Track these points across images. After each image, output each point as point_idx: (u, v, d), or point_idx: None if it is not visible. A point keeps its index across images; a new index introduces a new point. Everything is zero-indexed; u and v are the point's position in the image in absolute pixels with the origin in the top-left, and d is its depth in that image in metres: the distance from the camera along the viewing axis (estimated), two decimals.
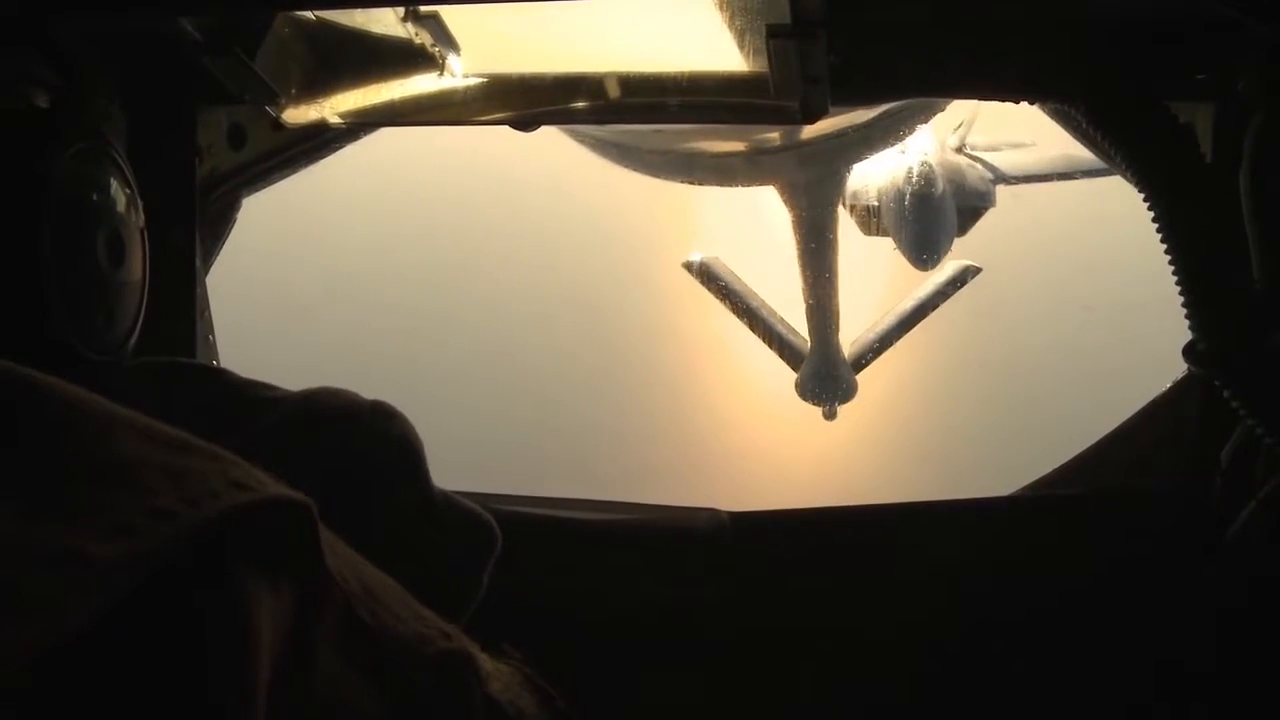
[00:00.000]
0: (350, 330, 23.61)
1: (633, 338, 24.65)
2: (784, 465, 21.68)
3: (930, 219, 14.00)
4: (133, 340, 1.51)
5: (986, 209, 14.89)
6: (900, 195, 14.00)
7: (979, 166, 15.12)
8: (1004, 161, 15.32)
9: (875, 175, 14.56)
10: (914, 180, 14.01)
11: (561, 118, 2.22)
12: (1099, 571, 2.19)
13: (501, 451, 21.19)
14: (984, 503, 2.45)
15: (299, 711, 0.67)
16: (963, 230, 14.39)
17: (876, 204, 14.21)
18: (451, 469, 1.76)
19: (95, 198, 1.55)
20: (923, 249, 14.20)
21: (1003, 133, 15.84)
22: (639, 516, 2.56)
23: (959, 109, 12.81)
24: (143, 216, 1.61)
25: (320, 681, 0.70)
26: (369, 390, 1.34)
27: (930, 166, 13.94)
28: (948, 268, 13.45)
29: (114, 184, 1.59)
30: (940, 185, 13.93)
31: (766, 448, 22.65)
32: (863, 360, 13.23)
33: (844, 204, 13.08)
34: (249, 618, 0.62)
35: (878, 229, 14.23)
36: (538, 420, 24.07)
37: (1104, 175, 12.30)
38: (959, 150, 15.22)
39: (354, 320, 23.95)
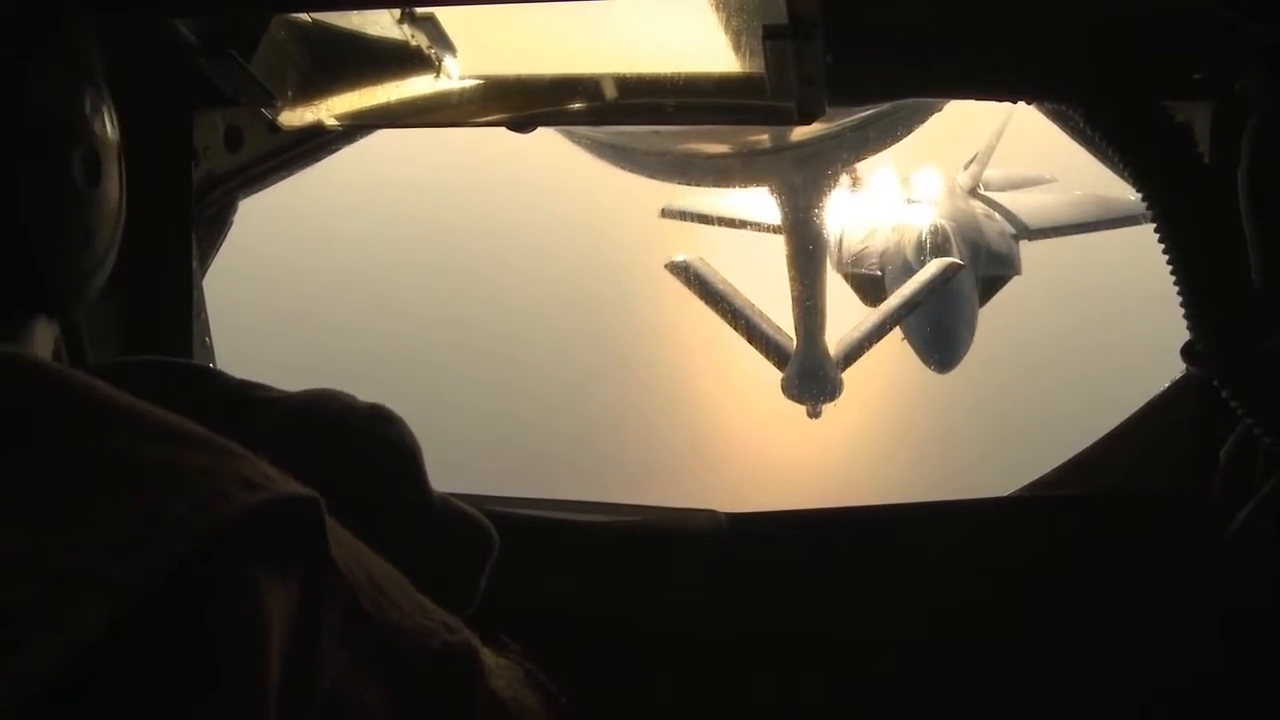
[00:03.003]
0: (346, 330, 23.63)
1: (627, 337, 24.68)
2: (775, 463, 21.70)
3: (947, 307, 12.20)
4: (109, 262, 1.47)
5: (1011, 277, 12.98)
6: (909, 269, 12.22)
7: (998, 218, 13.36)
8: (1025, 208, 13.72)
9: (877, 233, 12.78)
10: (926, 251, 12.01)
11: (558, 119, 2.22)
12: (1097, 572, 2.19)
13: (497, 449, 21.19)
14: (983, 503, 2.45)
15: (304, 704, 0.67)
16: (983, 301, 12.66)
17: (880, 272, 12.62)
18: (446, 467, 1.76)
19: (72, 114, 1.53)
20: (938, 346, 12.46)
21: (1018, 164, 14.12)
22: (636, 518, 2.56)
23: (958, 115, 12.01)
24: (119, 134, 1.59)
25: (325, 674, 0.70)
26: (363, 390, 1.33)
27: (945, 234, 12.29)
28: (932, 265, 12.50)
29: (89, 100, 1.56)
30: (956, 254, 12.19)
31: (758, 445, 22.67)
32: (849, 358, 12.57)
33: (834, 265, 11.61)
34: (259, 615, 0.62)
35: (880, 300, 12.64)
36: (531, 418, 24.09)
37: (1137, 224, 11.44)
38: (972, 193, 13.56)
39: (350, 320, 23.97)
